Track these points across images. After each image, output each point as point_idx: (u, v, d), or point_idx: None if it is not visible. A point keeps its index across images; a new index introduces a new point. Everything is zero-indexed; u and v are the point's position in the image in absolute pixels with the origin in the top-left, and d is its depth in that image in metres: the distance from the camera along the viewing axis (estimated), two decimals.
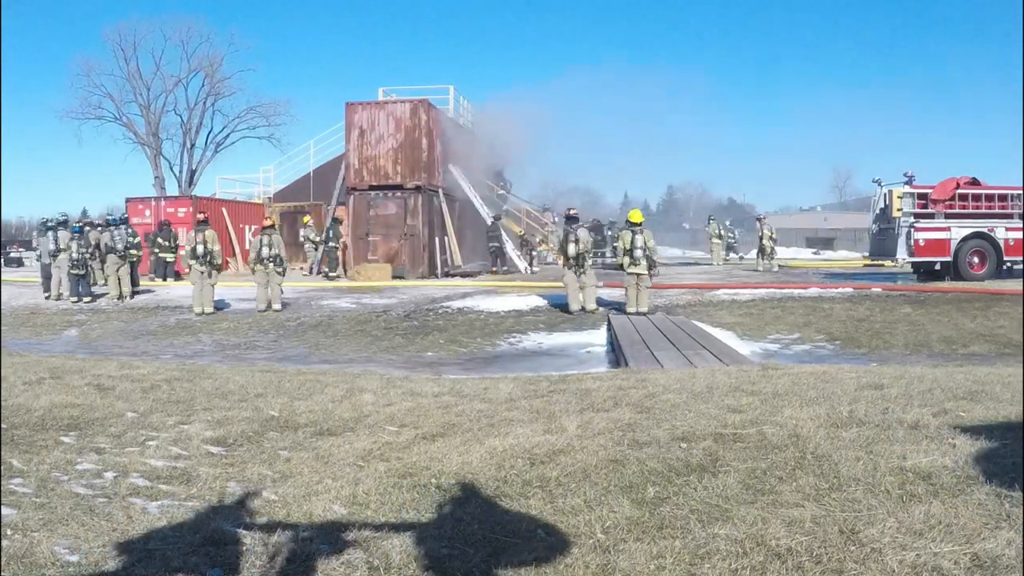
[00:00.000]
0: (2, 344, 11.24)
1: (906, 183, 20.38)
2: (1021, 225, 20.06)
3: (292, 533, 3.45)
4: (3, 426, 5.40)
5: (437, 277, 26.00)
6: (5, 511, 3.65)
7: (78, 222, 20.40)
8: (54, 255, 19.58)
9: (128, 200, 30.04)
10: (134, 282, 20.13)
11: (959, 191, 20.15)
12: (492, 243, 27.66)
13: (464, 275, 26.16)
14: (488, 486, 4.11)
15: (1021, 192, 20.34)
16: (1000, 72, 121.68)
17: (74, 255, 18.87)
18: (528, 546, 3.29)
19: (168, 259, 24.61)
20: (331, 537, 3.42)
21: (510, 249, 28.18)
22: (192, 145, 53.49)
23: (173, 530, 3.49)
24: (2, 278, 22.53)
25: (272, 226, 17.81)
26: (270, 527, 3.54)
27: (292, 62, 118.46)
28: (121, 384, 7.25)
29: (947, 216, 20.21)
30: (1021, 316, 13.16)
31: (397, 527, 3.52)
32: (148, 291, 21.18)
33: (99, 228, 21.01)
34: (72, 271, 19.00)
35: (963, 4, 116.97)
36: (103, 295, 19.62)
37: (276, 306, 16.92)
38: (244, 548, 3.29)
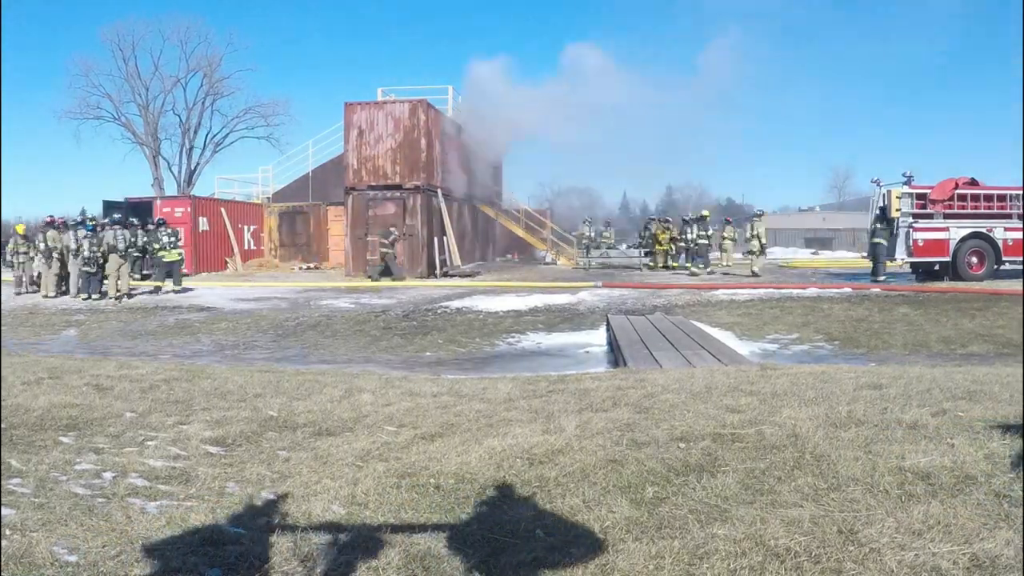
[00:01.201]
0: (1, 344, 11.24)
1: (905, 183, 20.41)
2: (1020, 225, 20.08)
3: (291, 533, 3.45)
4: (2, 426, 5.40)
5: (436, 277, 26.01)
6: (4, 511, 3.65)
7: (90, 220, 20.95)
8: (74, 254, 20.10)
9: (127, 200, 30.04)
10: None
11: (958, 191, 20.17)
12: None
13: (463, 275, 26.17)
14: (487, 486, 4.11)
15: (1020, 192, 20.37)
16: (999, 72, 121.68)
17: (86, 254, 19.35)
18: (527, 546, 3.29)
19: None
20: (330, 537, 3.42)
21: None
22: (191, 146, 53.58)
23: (172, 530, 3.48)
24: (1, 278, 22.54)
25: None
26: (268, 527, 3.54)
27: (291, 62, 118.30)
28: (120, 384, 7.25)
29: (946, 216, 20.23)
30: (1021, 316, 13.17)
31: (396, 527, 3.52)
32: (189, 289, 21.38)
33: (140, 228, 22.15)
34: (83, 269, 19.52)
35: (963, 3, 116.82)
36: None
37: None
38: (243, 548, 3.29)
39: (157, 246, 21.27)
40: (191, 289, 21.65)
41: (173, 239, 21.48)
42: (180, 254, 21.87)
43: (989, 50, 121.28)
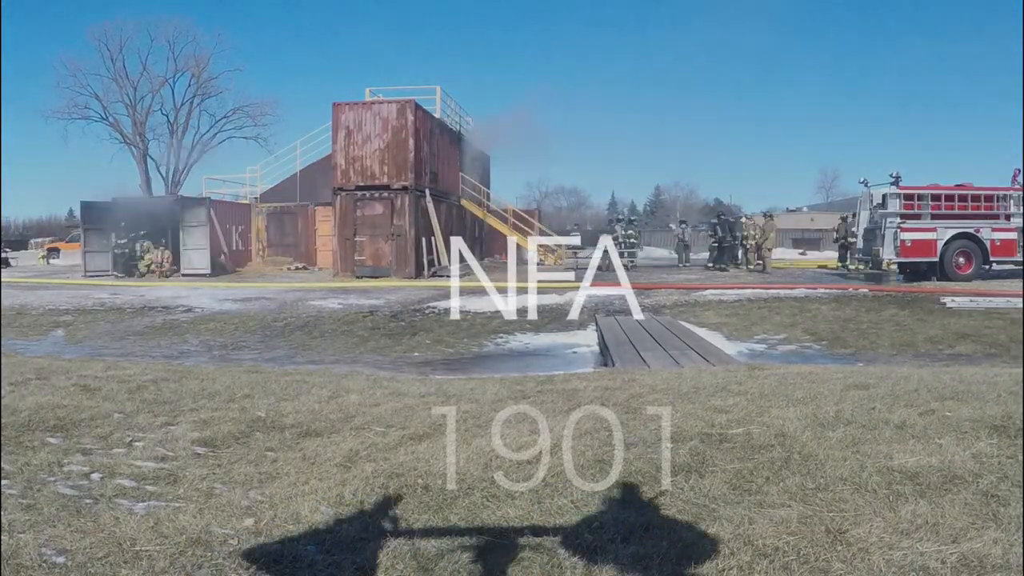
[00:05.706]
0: (0, 344, 11.16)
1: (892, 183, 20.49)
2: (1006, 226, 20.22)
3: (279, 534, 3.44)
4: (2, 423, 5.36)
5: (424, 277, 25.99)
6: None
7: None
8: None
9: (114, 200, 29.89)
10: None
11: (947, 192, 20.25)
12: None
13: (451, 275, 26.13)
14: (475, 487, 4.10)
15: (1006, 193, 20.51)
16: (989, 72, 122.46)
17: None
18: (515, 547, 3.29)
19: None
20: (318, 538, 3.41)
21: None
22: (179, 146, 53.40)
23: (159, 531, 3.47)
24: (2, 279, 22.49)
25: None
26: (256, 528, 3.52)
27: (279, 62, 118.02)
28: (107, 385, 7.20)
29: (933, 216, 20.34)
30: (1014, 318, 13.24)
31: (383, 528, 3.51)
32: None
33: None
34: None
35: (958, 2, 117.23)
36: None
37: None
38: (231, 549, 3.28)
39: None
40: None
41: None
42: None
43: (982, 47, 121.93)
